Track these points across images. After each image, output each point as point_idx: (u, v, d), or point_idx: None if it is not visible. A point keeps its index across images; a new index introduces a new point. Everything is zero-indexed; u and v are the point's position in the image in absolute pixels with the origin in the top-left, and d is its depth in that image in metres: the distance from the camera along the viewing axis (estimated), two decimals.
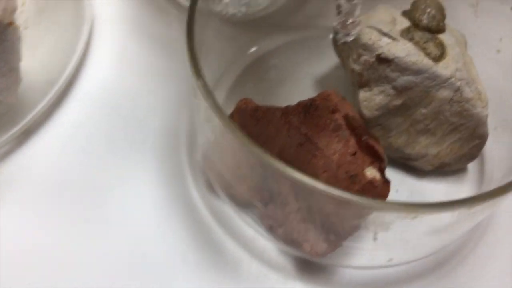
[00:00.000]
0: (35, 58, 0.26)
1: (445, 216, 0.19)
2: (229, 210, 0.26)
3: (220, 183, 0.25)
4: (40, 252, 0.24)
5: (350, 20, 0.25)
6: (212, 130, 0.22)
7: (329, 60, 0.31)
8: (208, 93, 0.20)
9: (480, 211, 0.20)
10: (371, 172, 0.22)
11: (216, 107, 0.20)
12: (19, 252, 0.24)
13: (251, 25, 0.33)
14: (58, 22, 0.29)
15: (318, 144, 0.23)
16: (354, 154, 0.22)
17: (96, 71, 0.31)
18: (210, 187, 0.26)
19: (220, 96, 0.20)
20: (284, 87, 0.31)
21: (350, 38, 0.25)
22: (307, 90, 0.30)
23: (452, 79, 0.25)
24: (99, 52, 0.32)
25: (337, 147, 0.22)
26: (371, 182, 0.22)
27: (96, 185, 0.27)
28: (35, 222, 0.25)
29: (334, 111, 0.23)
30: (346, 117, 0.24)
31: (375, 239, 0.22)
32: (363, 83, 0.27)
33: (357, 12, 0.24)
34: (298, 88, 0.31)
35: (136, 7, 0.35)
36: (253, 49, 0.32)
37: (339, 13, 0.24)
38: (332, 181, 0.22)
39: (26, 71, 0.26)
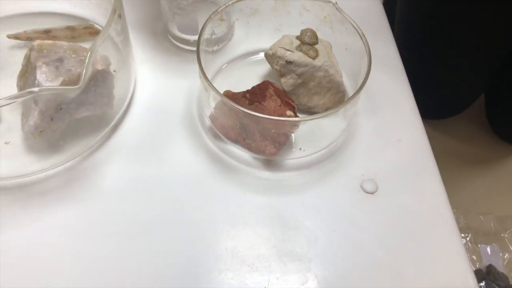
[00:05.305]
0: (121, 86, 0.51)
1: (312, 123, 0.46)
2: (227, 145, 0.50)
3: (221, 131, 0.50)
4: (127, 185, 0.49)
5: None
6: (215, 104, 0.48)
7: (265, 66, 0.56)
8: (212, 86, 0.46)
9: (336, 119, 0.47)
10: (289, 113, 0.49)
11: (217, 91, 0.45)
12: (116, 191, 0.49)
13: (221, 53, 0.58)
14: (124, 66, 0.54)
15: (263, 104, 0.49)
16: (280, 105, 0.48)
17: (144, 90, 0.55)
18: (216, 135, 0.51)
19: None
20: (244, 82, 0.53)
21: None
22: (256, 82, 0.53)
23: (323, 66, 0.51)
24: (143, 80, 0.56)
25: (272, 104, 0.48)
26: (287, 117, 0.48)
27: (155, 147, 0.50)
28: (130, 170, 0.49)
29: (268, 88, 0.49)
30: (275, 91, 0.50)
31: (295, 143, 0.48)
32: (282, 74, 0.52)
33: None
34: (251, 81, 0.53)
35: (159, 53, 0.59)
36: (225, 65, 0.57)
37: None
38: None
39: None
